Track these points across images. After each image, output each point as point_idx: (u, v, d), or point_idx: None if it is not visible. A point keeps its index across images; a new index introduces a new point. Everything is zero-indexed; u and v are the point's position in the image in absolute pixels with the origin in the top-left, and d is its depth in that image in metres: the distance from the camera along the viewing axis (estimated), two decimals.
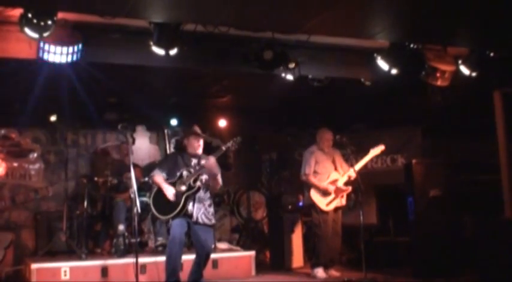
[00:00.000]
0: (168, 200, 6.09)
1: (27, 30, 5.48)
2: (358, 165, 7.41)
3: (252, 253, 7.80)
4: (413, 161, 7.70)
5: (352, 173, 7.39)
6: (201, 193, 6.19)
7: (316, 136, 7.77)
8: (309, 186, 7.56)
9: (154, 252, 7.57)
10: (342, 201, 7.57)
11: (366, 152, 7.82)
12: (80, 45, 5.94)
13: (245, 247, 8.34)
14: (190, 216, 6.12)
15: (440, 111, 8.75)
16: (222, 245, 8.28)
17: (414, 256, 7.47)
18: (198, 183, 6.14)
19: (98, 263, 6.95)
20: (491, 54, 7.13)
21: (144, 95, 8.62)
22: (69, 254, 7.34)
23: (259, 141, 10.17)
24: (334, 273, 7.53)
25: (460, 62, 7.24)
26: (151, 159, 9.34)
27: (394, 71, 6.98)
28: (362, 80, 7.72)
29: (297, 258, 8.40)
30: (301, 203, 7.83)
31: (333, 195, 7.48)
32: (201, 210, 6.17)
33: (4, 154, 8.64)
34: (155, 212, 6.22)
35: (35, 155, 8.89)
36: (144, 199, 7.35)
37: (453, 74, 7.24)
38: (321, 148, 7.69)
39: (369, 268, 6.75)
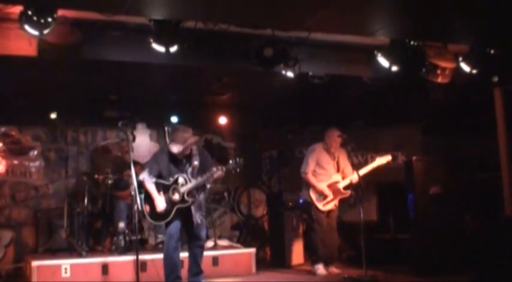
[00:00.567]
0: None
1: (27, 27, 5.47)
2: (363, 171, 7.34)
3: (253, 250, 7.80)
4: (414, 158, 7.70)
5: (354, 178, 7.34)
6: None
7: (325, 135, 7.64)
8: (307, 184, 7.57)
9: (155, 249, 7.60)
10: (335, 204, 7.56)
11: (366, 149, 7.80)
12: (80, 43, 5.94)
13: (245, 244, 8.34)
14: (192, 221, 6.12)
15: (440, 109, 8.75)
16: (223, 242, 8.28)
17: (414, 253, 7.46)
18: (191, 199, 6.08)
19: (98, 260, 6.95)
20: (492, 51, 7.12)
21: (144, 92, 8.62)
22: (69, 251, 7.32)
23: (260, 139, 10.17)
24: (334, 270, 7.53)
25: (460, 59, 7.23)
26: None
27: (394, 68, 6.97)
28: (362, 77, 7.71)
29: (297, 256, 8.39)
30: (301, 200, 7.82)
31: (331, 197, 7.48)
32: (198, 212, 6.17)
33: (4, 152, 8.64)
34: (147, 215, 6.16)
35: (35, 152, 8.89)
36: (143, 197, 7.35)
37: (454, 71, 7.24)
38: (327, 148, 7.60)
39: (369, 265, 6.73)
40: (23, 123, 8.77)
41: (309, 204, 7.53)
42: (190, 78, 8.18)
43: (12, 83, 7.48)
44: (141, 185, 6.58)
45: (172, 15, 5.83)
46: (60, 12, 5.65)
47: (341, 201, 7.63)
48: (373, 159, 8.07)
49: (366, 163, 8.90)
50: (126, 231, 7.49)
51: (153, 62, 6.58)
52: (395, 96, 8.68)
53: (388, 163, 7.60)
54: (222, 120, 10.08)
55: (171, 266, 6.08)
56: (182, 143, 6.01)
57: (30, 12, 5.40)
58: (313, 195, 7.48)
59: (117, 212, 7.62)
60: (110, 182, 7.77)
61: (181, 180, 6.11)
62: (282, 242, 8.36)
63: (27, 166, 8.82)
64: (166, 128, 9.02)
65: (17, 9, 5.57)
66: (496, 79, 7.46)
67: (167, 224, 6.13)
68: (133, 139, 8.16)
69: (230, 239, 8.92)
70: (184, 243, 6.45)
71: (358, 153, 8.85)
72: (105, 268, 6.85)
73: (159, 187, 6.11)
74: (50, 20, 5.46)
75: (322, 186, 7.45)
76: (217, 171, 6.11)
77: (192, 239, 6.25)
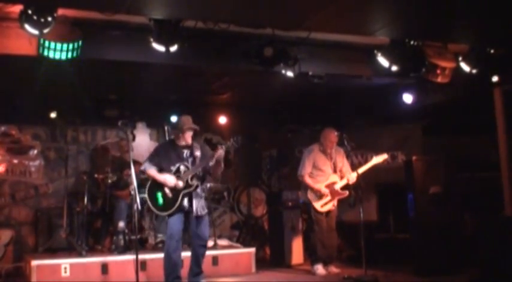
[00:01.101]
0: (165, 196, 6.10)
1: (27, 26, 5.47)
2: (360, 171, 7.35)
3: (252, 250, 7.80)
4: (414, 158, 7.70)
5: (352, 178, 7.38)
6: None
7: (320, 135, 7.66)
8: (305, 186, 7.59)
9: (155, 248, 7.59)
10: (334, 204, 7.57)
11: (366, 149, 7.78)
12: (80, 42, 5.94)
13: (245, 244, 8.35)
14: (190, 211, 6.13)
15: (440, 108, 8.75)
16: (222, 242, 8.28)
17: (414, 253, 7.46)
18: (196, 182, 6.14)
19: (98, 259, 6.95)
20: (492, 51, 7.12)
21: (145, 91, 8.62)
22: (69, 250, 7.33)
23: (259, 138, 10.18)
24: (333, 269, 7.54)
25: (460, 58, 7.23)
26: None
27: (394, 68, 6.97)
28: (362, 76, 7.71)
29: (297, 255, 8.40)
30: (301, 200, 7.83)
31: (329, 197, 7.49)
32: (199, 203, 6.19)
33: (4, 151, 8.63)
34: (152, 207, 6.23)
35: (35, 151, 8.88)
36: (144, 196, 7.33)
37: (453, 70, 7.24)
38: (323, 148, 7.61)
39: (369, 265, 6.75)
40: (22, 123, 8.77)
41: (308, 205, 7.56)
42: (190, 77, 8.17)
43: (12, 82, 7.48)
44: (142, 184, 6.61)
45: (172, 14, 5.83)
46: (61, 12, 5.65)
47: (341, 201, 7.64)
48: (372, 159, 8.07)
49: (365, 163, 8.91)
50: (126, 230, 7.49)
51: (153, 61, 6.57)
52: (395, 96, 8.67)
53: (384, 162, 7.62)
54: (222, 119, 10.08)
55: (171, 266, 6.09)
56: (186, 131, 6.21)
57: (30, 12, 5.40)
58: (311, 197, 7.50)
59: (116, 212, 7.62)
60: (109, 181, 7.76)
61: (182, 167, 6.19)
62: (281, 241, 8.37)
63: (27, 165, 8.82)
64: (166, 128, 9.03)
65: (17, 8, 5.57)
66: (496, 79, 7.45)
67: (169, 223, 6.14)
68: (133, 138, 8.15)
69: (230, 238, 8.93)
70: (186, 243, 6.45)
71: (358, 153, 8.85)
72: (104, 267, 6.86)
73: None
74: (50, 19, 5.45)
75: (320, 187, 7.46)
76: (218, 150, 6.13)
77: (195, 238, 6.25)
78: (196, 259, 6.29)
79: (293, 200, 8.56)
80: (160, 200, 6.15)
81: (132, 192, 6.02)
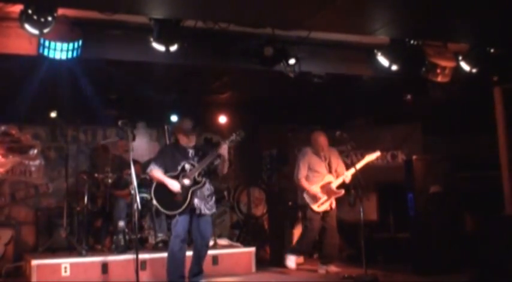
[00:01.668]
0: (173, 195, 6.10)
1: (27, 26, 5.46)
2: (352, 170, 7.43)
3: (252, 249, 7.80)
4: (414, 157, 7.70)
5: (346, 177, 7.44)
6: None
7: (311, 138, 7.78)
8: (302, 188, 7.63)
9: (155, 248, 7.58)
10: (332, 204, 7.60)
11: (366, 148, 7.77)
12: (80, 42, 5.94)
13: (245, 243, 8.34)
14: (196, 209, 6.13)
15: (440, 108, 8.74)
16: (223, 241, 8.28)
17: (414, 252, 7.46)
18: (203, 179, 6.15)
19: (98, 259, 6.94)
20: (492, 50, 7.12)
21: (144, 91, 8.61)
22: (69, 250, 7.32)
23: (259, 137, 10.17)
24: (333, 268, 7.55)
25: (460, 58, 7.23)
26: (151, 155, 9.27)
27: (394, 67, 6.97)
28: (362, 76, 7.71)
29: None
30: (299, 202, 7.84)
31: (325, 197, 7.52)
32: (204, 201, 6.19)
33: (4, 150, 8.63)
34: (161, 208, 6.21)
35: (35, 151, 8.89)
36: (144, 195, 7.36)
37: (453, 70, 7.23)
38: (315, 151, 7.70)
39: (369, 264, 6.75)
40: (23, 122, 8.77)
41: (305, 206, 7.62)
42: (190, 77, 8.17)
43: (12, 81, 7.47)
44: (142, 184, 6.61)
45: (172, 14, 5.82)
46: (61, 11, 5.65)
47: (341, 200, 7.66)
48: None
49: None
50: (126, 230, 7.49)
51: (153, 61, 6.58)
52: (395, 95, 8.67)
53: (377, 159, 7.64)
54: (222, 119, 10.09)
55: (175, 265, 6.10)
56: (191, 127, 6.26)
57: (30, 11, 5.39)
58: (307, 198, 7.55)
59: (116, 211, 7.61)
60: (109, 181, 7.76)
61: (187, 166, 6.20)
62: (281, 240, 8.37)
63: (27, 165, 8.82)
64: (166, 127, 9.03)
65: (17, 8, 5.57)
66: (496, 78, 7.45)
67: (174, 223, 6.15)
68: (134, 138, 8.14)
69: (230, 238, 8.92)
70: (188, 242, 6.44)
71: (358, 153, 8.82)
72: (104, 267, 6.85)
73: None
74: (50, 19, 5.45)
75: (315, 189, 7.51)
76: (223, 145, 6.19)
77: (197, 237, 6.25)
78: (198, 259, 6.30)
79: (293, 199, 8.55)
80: (169, 200, 6.12)
81: (132, 192, 6.02)
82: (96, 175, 7.91)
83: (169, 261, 6.15)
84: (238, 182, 9.73)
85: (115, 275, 6.83)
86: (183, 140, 6.34)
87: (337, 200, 7.65)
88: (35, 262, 6.65)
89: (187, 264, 6.32)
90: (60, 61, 5.97)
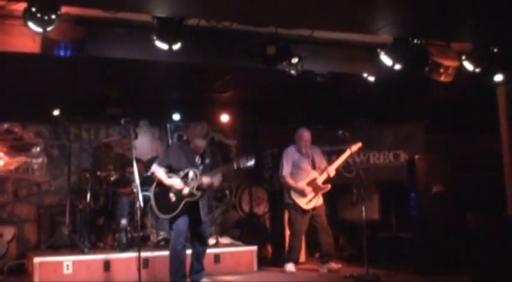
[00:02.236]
0: (169, 199, 6.11)
1: (30, 24, 5.45)
2: (336, 163, 7.56)
3: (254, 248, 7.80)
4: (416, 156, 7.69)
5: (331, 171, 7.53)
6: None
7: (295, 136, 7.83)
8: (288, 186, 7.65)
9: (157, 246, 7.58)
10: (319, 201, 7.63)
11: (368, 148, 7.75)
12: (83, 40, 5.94)
13: (247, 242, 8.34)
14: (195, 217, 6.15)
15: (443, 107, 8.73)
16: (224, 240, 8.27)
17: (416, 252, 7.46)
18: (200, 193, 6.13)
19: (100, 257, 6.95)
20: (495, 49, 7.11)
21: (147, 89, 8.62)
22: (71, 248, 7.34)
23: (261, 136, 10.16)
24: (333, 265, 7.57)
25: (463, 57, 7.21)
26: (153, 153, 9.34)
27: (397, 67, 6.96)
28: (365, 75, 7.71)
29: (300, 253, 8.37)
30: (285, 201, 7.84)
31: (312, 194, 7.55)
32: (203, 208, 6.21)
33: (7, 148, 8.64)
34: (155, 209, 6.25)
35: (38, 149, 8.90)
36: (147, 193, 7.33)
37: (457, 69, 7.23)
38: (298, 148, 7.75)
39: (371, 264, 6.75)
40: (26, 120, 8.78)
41: (290, 206, 7.65)
42: (193, 75, 8.17)
43: (16, 79, 7.49)
44: (145, 182, 6.61)
45: (175, 12, 5.83)
46: (64, 9, 5.65)
47: (343, 199, 7.67)
48: (375, 158, 8.08)
49: (367, 162, 8.91)
50: (128, 228, 7.50)
51: (155, 59, 6.56)
52: (398, 94, 8.66)
53: (358, 150, 7.64)
54: (224, 117, 10.09)
55: (178, 264, 6.11)
56: (203, 137, 6.16)
57: (33, 9, 5.38)
58: (294, 196, 7.58)
59: (119, 209, 7.63)
60: (112, 178, 7.78)
61: (191, 174, 6.17)
62: (283, 240, 8.36)
63: (29, 163, 8.83)
64: (168, 126, 9.03)
65: (21, 6, 5.57)
66: (499, 78, 7.44)
67: (174, 221, 6.15)
68: (136, 136, 8.16)
69: (232, 236, 8.92)
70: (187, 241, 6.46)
71: (360, 152, 8.81)
72: (107, 265, 6.87)
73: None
74: (53, 17, 5.44)
75: (302, 185, 7.54)
76: (216, 178, 6.22)
77: (196, 236, 6.27)
78: (197, 256, 6.31)
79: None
80: (163, 203, 6.15)
81: (135, 190, 6.02)
82: (98, 173, 7.94)
83: (171, 260, 6.15)
84: (240, 181, 9.72)
85: (117, 273, 6.85)
86: (193, 144, 6.26)
87: (339, 199, 7.65)
88: (37, 259, 6.67)
89: (187, 262, 6.33)
90: (63, 59, 5.98)
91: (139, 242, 6.01)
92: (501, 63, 7.28)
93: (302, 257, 8.40)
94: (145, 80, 8.12)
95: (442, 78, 7.21)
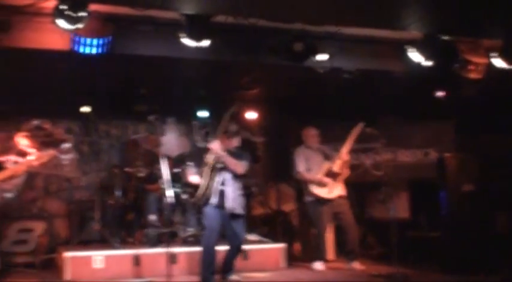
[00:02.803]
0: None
1: (60, 22, 5.53)
2: (346, 147, 7.53)
3: (283, 245, 7.76)
4: (447, 155, 7.60)
5: (343, 155, 7.50)
6: (233, 182, 6.21)
7: (302, 135, 7.92)
8: (306, 183, 7.64)
9: (185, 242, 7.62)
10: (341, 190, 7.60)
11: (397, 146, 7.67)
12: (112, 37, 6.00)
13: (275, 239, 8.33)
14: (227, 208, 6.14)
15: (474, 105, 8.60)
16: (252, 237, 8.28)
17: (446, 252, 7.37)
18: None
19: (130, 252, 6.98)
20: None
21: (174, 86, 8.66)
22: (101, 242, 7.43)
23: (288, 133, 10.13)
24: (357, 266, 7.50)
25: (494, 54, 7.09)
26: (180, 150, 9.37)
27: (426, 63, 6.88)
28: (393, 72, 7.63)
29: (328, 251, 8.32)
30: (306, 200, 7.81)
31: (332, 183, 7.54)
32: (236, 202, 6.20)
33: (38, 144, 8.76)
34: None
35: (68, 145, 9.01)
36: (175, 190, 7.40)
37: (487, 66, 7.11)
38: (308, 146, 7.80)
39: (401, 263, 6.69)
40: (56, 117, 8.89)
41: (309, 205, 7.64)
42: (220, 72, 8.18)
43: (45, 76, 7.59)
44: (173, 178, 6.65)
45: (203, 9, 5.84)
46: (93, 7, 5.71)
47: (372, 197, 7.61)
48: (403, 155, 7.99)
49: (396, 160, 8.83)
50: (157, 223, 7.55)
51: (183, 56, 6.61)
52: (427, 91, 8.56)
53: (360, 130, 7.56)
54: (251, 115, 10.07)
55: (209, 260, 6.12)
56: (230, 136, 6.27)
57: (63, 7, 5.46)
58: (314, 189, 7.56)
59: (147, 205, 7.69)
60: (141, 175, 7.84)
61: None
62: (311, 237, 8.32)
63: (60, 159, 8.94)
64: (194, 123, 9.07)
65: (50, 3, 5.66)
66: None
67: (207, 217, 6.18)
68: (163, 133, 8.22)
69: (259, 233, 8.91)
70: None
71: (388, 150, 8.73)
72: (137, 260, 6.89)
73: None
74: (83, 14, 5.51)
75: (320, 176, 7.55)
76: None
77: (231, 237, 6.29)
78: (231, 258, 6.36)
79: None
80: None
81: (163, 186, 6.06)
82: (127, 169, 8.00)
83: (203, 256, 6.14)
84: (267, 178, 9.71)
85: (147, 268, 6.86)
86: (224, 141, 6.28)
87: (367, 197, 7.59)
88: (67, 254, 6.75)
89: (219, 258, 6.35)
90: (92, 56, 6.04)
91: (168, 238, 6.04)
92: None
93: (331, 255, 8.34)
94: (172, 77, 8.16)
95: (472, 75, 7.11)
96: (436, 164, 7.89)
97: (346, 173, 7.60)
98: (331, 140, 8.49)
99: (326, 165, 7.62)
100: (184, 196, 7.60)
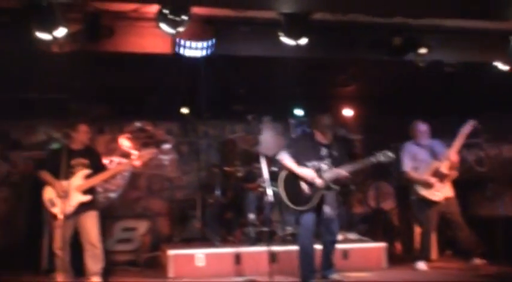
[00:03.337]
0: (300, 190, 6.09)
1: (163, 25, 5.70)
2: (455, 147, 7.17)
3: (383, 244, 7.62)
4: None
5: (452, 156, 7.17)
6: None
7: (410, 131, 7.63)
8: (412, 181, 7.43)
9: (284, 241, 7.64)
10: (448, 191, 7.30)
11: (501, 141, 7.35)
12: (214, 40, 6.10)
13: (374, 238, 8.19)
14: (323, 212, 6.11)
15: None
16: (352, 235, 8.19)
17: None
18: (337, 187, 6.10)
19: (231, 250, 7.08)
20: None
21: (271, 85, 8.70)
22: (203, 241, 7.59)
23: (386, 130, 9.94)
24: (477, 262, 7.22)
25: None
26: (277, 149, 9.37)
27: None
28: (497, 64, 7.31)
29: (432, 251, 8.07)
30: (412, 197, 7.59)
31: (439, 184, 7.25)
32: (332, 208, 6.18)
33: (140, 146, 9.07)
34: (285, 198, 6.18)
35: (169, 146, 9.26)
36: (274, 189, 7.43)
37: None
38: (416, 142, 7.52)
39: (508, 263, 6.40)
40: (156, 119, 9.14)
41: (415, 203, 7.44)
42: (316, 70, 8.15)
43: (148, 80, 7.84)
44: (272, 177, 6.68)
45: (302, 7, 5.83)
46: (194, 10, 5.83)
47: (478, 194, 7.32)
48: (509, 151, 7.62)
49: (500, 156, 8.47)
50: (256, 222, 7.61)
51: (281, 55, 6.63)
52: None
53: (472, 128, 7.20)
54: (347, 112, 9.96)
55: (308, 259, 6.12)
56: (330, 126, 6.19)
57: (166, 11, 5.62)
58: (420, 190, 7.33)
59: (246, 204, 7.77)
60: (239, 174, 7.93)
61: (324, 166, 6.12)
62: (413, 236, 8.13)
63: (161, 159, 9.21)
64: (290, 121, 9.08)
65: (152, 8, 5.83)
66: None
67: (302, 215, 6.14)
68: (260, 132, 8.28)
69: (358, 232, 8.80)
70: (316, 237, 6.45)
71: (493, 145, 8.38)
72: (237, 258, 6.98)
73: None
74: (184, 18, 5.64)
75: (426, 176, 7.28)
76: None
77: (325, 234, 6.26)
78: (327, 254, 6.32)
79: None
80: (295, 193, 6.13)
81: (262, 185, 6.10)
82: (226, 168, 8.11)
83: (301, 255, 6.15)
84: (366, 176, 9.57)
85: (247, 266, 6.92)
86: (318, 136, 6.27)
87: (471, 195, 7.31)
88: (171, 252, 6.93)
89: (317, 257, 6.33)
90: (194, 59, 6.18)
91: (267, 237, 6.07)
92: None
93: (434, 255, 8.09)
94: (269, 76, 8.20)
95: None
96: None
97: (454, 174, 7.28)
98: (432, 135, 8.25)
99: (434, 165, 7.35)
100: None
